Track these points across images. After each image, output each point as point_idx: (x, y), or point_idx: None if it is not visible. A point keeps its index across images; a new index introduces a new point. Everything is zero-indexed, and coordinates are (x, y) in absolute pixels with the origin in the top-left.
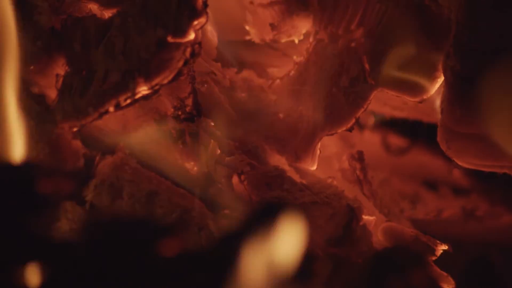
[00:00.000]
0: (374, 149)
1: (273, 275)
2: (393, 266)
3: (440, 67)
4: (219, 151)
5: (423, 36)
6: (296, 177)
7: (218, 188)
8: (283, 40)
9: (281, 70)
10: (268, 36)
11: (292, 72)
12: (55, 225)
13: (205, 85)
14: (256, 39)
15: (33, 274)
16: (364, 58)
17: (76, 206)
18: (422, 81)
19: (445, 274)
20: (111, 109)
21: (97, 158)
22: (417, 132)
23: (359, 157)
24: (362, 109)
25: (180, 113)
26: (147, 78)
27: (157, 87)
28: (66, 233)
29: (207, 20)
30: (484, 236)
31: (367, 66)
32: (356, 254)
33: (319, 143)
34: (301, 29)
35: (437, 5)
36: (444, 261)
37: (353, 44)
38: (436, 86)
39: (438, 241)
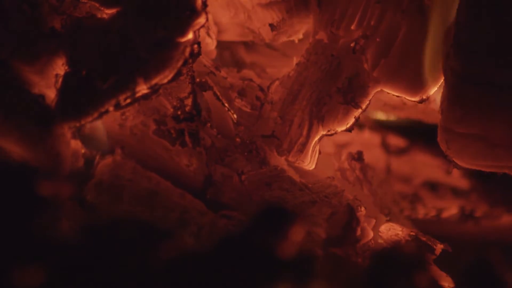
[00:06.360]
0: (374, 149)
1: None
2: (393, 266)
3: (440, 67)
4: (219, 151)
5: (422, 36)
6: (296, 177)
7: (218, 188)
8: (283, 40)
9: (280, 70)
10: (268, 36)
11: (292, 72)
12: (55, 225)
13: (205, 85)
14: (256, 39)
15: (33, 275)
16: (363, 58)
17: (76, 206)
18: (421, 81)
19: (445, 274)
20: (111, 109)
21: (97, 158)
22: (417, 132)
23: (359, 157)
24: (362, 109)
25: (179, 113)
26: (147, 77)
27: (156, 87)
28: (66, 233)
29: (207, 20)
30: (483, 236)
31: (366, 66)
32: (356, 254)
33: (319, 143)
34: (301, 29)
35: (436, 5)
36: (444, 261)
37: (352, 44)
38: (435, 87)
39: (437, 241)
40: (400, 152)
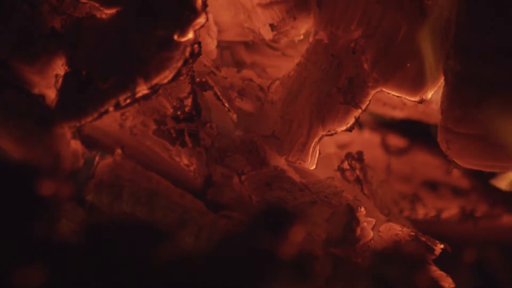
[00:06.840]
0: (374, 149)
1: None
2: (393, 266)
3: (440, 67)
4: (219, 151)
5: (422, 36)
6: (296, 177)
7: (218, 188)
8: (283, 40)
9: (280, 70)
10: (268, 36)
11: (292, 72)
12: (55, 225)
13: (205, 85)
14: (256, 39)
15: (33, 275)
16: (363, 58)
17: (76, 206)
18: (421, 81)
19: (445, 274)
20: (111, 109)
21: (97, 158)
22: (417, 132)
23: (359, 157)
24: (362, 109)
25: (179, 113)
26: (147, 78)
27: (157, 87)
28: (66, 233)
29: (207, 20)
30: (483, 236)
31: (366, 66)
32: (356, 254)
33: (319, 143)
34: (301, 29)
35: (437, 5)
36: (444, 261)
37: (352, 44)
38: (435, 87)
39: (437, 241)
40: (400, 152)
